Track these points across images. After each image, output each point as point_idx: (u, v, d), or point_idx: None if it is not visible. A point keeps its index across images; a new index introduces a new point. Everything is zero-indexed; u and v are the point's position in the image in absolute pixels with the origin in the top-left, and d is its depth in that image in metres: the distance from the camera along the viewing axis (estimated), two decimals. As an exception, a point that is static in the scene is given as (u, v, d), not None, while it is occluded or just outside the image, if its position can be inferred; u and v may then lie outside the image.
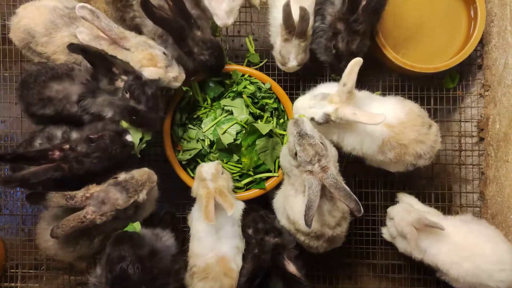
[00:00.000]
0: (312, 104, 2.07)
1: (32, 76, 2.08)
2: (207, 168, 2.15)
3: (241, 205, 2.21)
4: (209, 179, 2.09)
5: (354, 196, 1.84)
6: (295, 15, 2.05)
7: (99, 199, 1.86)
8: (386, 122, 1.98)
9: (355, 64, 1.92)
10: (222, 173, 2.19)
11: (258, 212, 2.16)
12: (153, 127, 2.13)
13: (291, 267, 1.96)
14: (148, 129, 2.13)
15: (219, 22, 2.09)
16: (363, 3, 2.03)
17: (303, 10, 2.02)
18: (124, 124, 2.07)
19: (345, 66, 1.95)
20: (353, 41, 2.11)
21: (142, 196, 1.93)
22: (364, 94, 2.15)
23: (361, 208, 1.84)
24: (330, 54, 2.20)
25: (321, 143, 1.93)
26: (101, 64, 1.95)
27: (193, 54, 2.11)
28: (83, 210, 1.85)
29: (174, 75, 2.12)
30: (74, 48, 1.93)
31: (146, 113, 2.02)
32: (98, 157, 1.90)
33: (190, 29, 2.06)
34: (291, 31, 2.12)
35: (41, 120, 2.17)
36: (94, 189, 1.91)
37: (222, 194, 2.02)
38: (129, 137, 2.01)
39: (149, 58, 2.04)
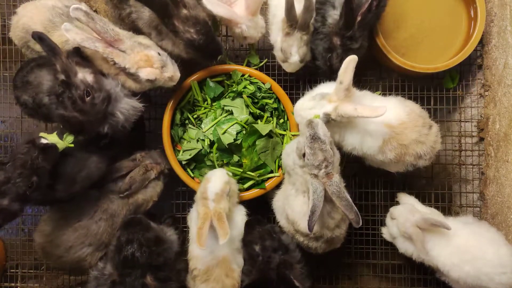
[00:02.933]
0: (312, 105, 2.06)
1: (29, 61, 2.14)
2: (212, 187, 2.07)
3: (242, 211, 2.21)
4: (212, 199, 2.03)
5: (355, 207, 1.84)
6: (298, 8, 2.05)
7: (152, 156, 2.32)
8: (387, 122, 1.99)
9: (350, 61, 1.90)
10: (229, 191, 2.11)
11: (264, 226, 2.07)
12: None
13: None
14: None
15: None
16: (358, 18, 2.04)
17: (308, 0, 2.02)
18: (45, 135, 1.96)
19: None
20: None
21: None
22: (364, 94, 2.14)
23: (360, 220, 1.85)
24: (324, 62, 2.21)
25: (331, 149, 1.91)
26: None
27: (179, 33, 2.05)
28: (141, 165, 2.24)
29: (169, 75, 2.11)
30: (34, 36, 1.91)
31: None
32: (21, 174, 1.78)
33: (175, 6, 1.99)
34: (293, 24, 2.11)
35: (26, 109, 2.17)
36: (142, 154, 2.32)
37: (220, 219, 1.96)
38: (43, 140, 1.90)
39: (145, 59, 2.03)
